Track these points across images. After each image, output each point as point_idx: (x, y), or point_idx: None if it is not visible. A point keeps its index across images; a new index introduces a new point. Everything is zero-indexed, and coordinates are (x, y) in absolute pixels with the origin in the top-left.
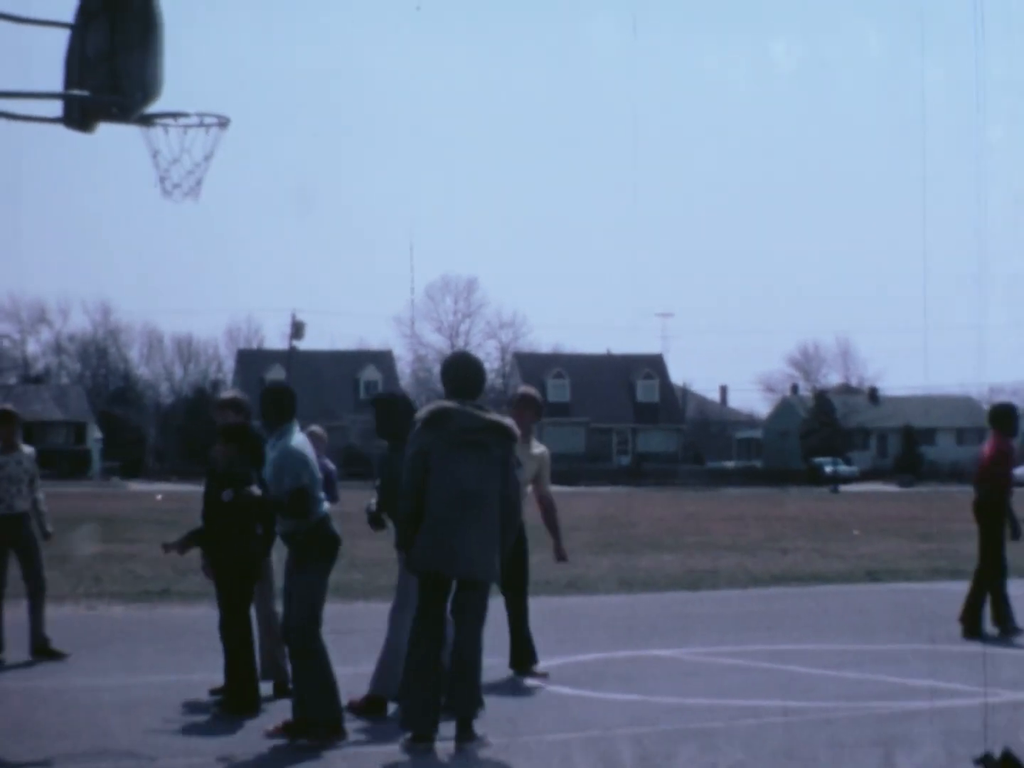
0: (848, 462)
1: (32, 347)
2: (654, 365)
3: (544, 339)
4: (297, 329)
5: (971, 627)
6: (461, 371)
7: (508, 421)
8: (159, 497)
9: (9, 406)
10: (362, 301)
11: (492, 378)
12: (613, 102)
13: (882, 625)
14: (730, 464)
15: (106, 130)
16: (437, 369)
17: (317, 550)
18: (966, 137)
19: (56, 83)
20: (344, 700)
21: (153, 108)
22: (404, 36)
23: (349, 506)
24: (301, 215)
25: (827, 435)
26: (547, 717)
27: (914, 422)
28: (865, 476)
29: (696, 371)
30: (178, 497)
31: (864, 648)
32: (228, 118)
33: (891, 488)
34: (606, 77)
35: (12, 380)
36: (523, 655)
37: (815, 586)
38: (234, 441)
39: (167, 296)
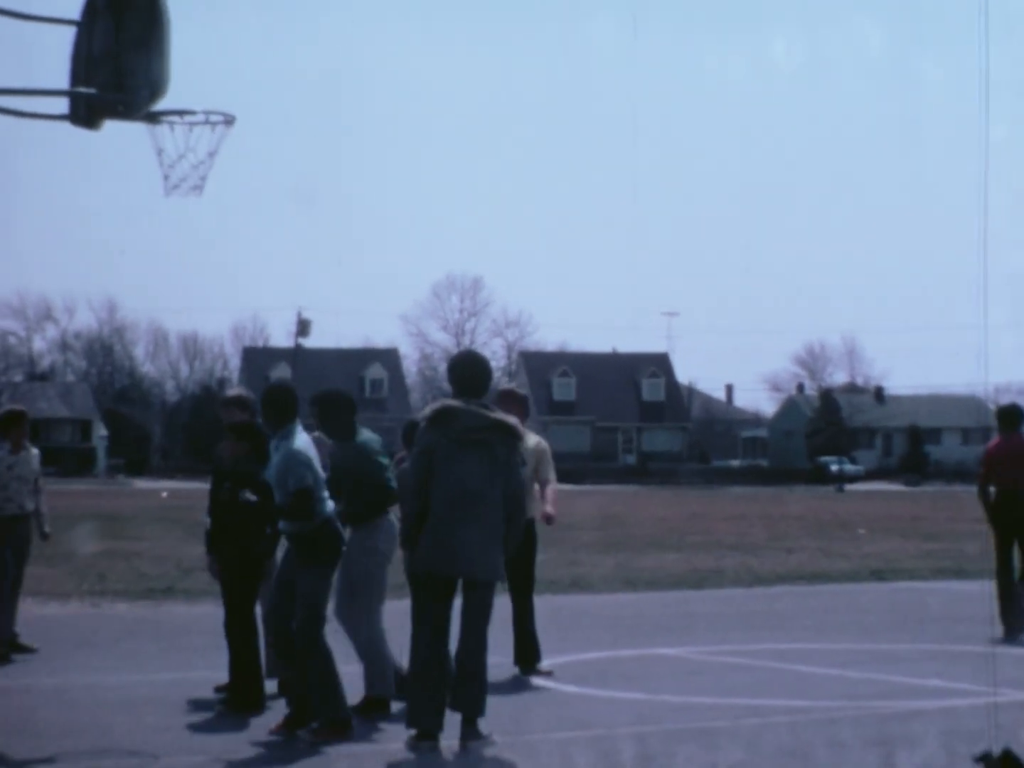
0: (853, 461)
1: (38, 344)
2: (660, 364)
3: (550, 338)
4: (303, 327)
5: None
6: (467, 370)
7: (513, 420)
8: (164, 495)
9: (20, 406)
10: (368, 299)
11: (498, 377)
12: (617, 100)
13: (887, 624)
14: (735, 463)
15: (112, 127)
16: (443, 367)
17: (321, 550)
18: (971, 134)
19: (62, 80)
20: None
21: (159, 106)
22: (409, 35)
23: None
24: (307, 213)
25: (833, 434)
26: (552, 715)
27: (920, 421)
28: (870, 475)
29: (702, 370)
30: (183, 495)
31: (869, 647)
32: (234, 116)
33: (896, 487)
34: (610, 76)
35: (18, 377)
36: (528, 653)
37: (820, 585)
38: (243, 439)
39: (173, 294)
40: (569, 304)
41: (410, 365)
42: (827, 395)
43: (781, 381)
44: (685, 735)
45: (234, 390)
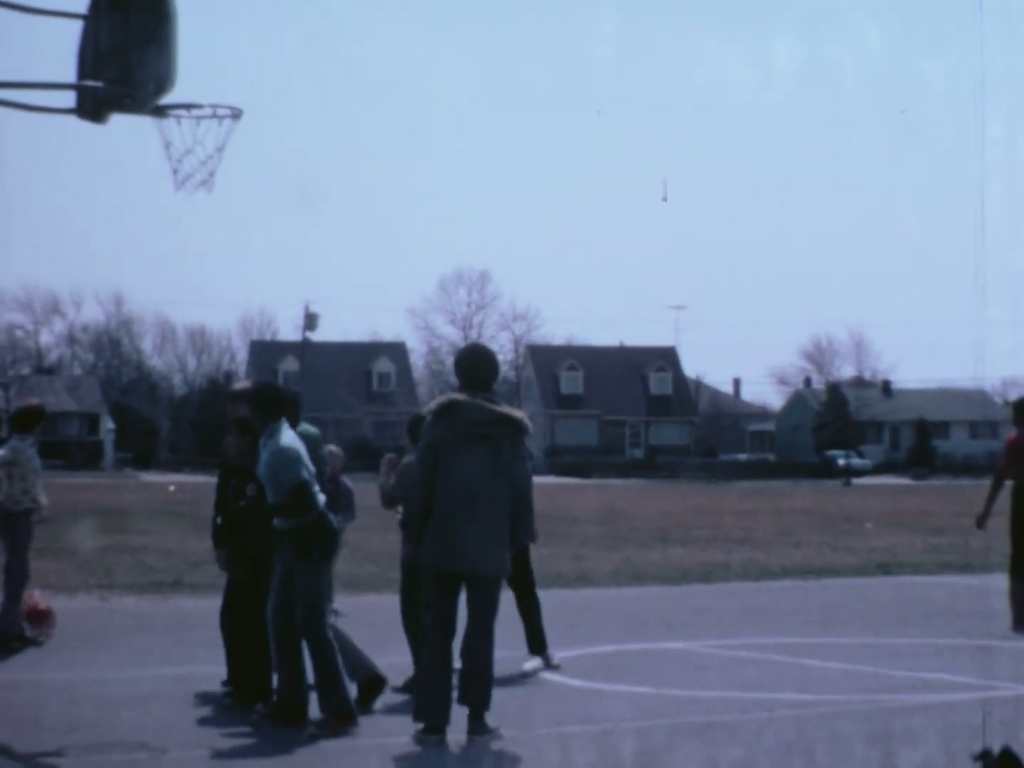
0: (861, 455)
1: (45, 338)
2: (667, 358)
3: (557, 331)
4: (310, 320)
5: None
6: (474, 363)
7: (519, 414)
8: (172, 488)
9: (39, 400)
10: (375, 293)
11: (505, 370)
12: (622, 94)
13: (893, 619)
14: (743, 457)
15: (119, 121)
16: (450, 361)
17: (316, 544)
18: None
19: (69, 74)
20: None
21: (166, 99)
22: (416, 30)
23: (360, 499)
24: (314, 207)
25: (840, 428)
26: (559, 709)
27: (927, 415)
28: (878, 469)
29: (709, 364)
30: (191, 488)
31: (875, 641)
32: (241, 110)
33: (904, 481)
34: (615, 72)
35: (25, 371)
36: (537, 643)
37: (827, 579)
38: (248, 433)
39: (180, 287)
40: (577, 298)
41: (417, 359)
42: (834, 389)
43: (788, 375)
44: (691, 729)
45: (241, 384)
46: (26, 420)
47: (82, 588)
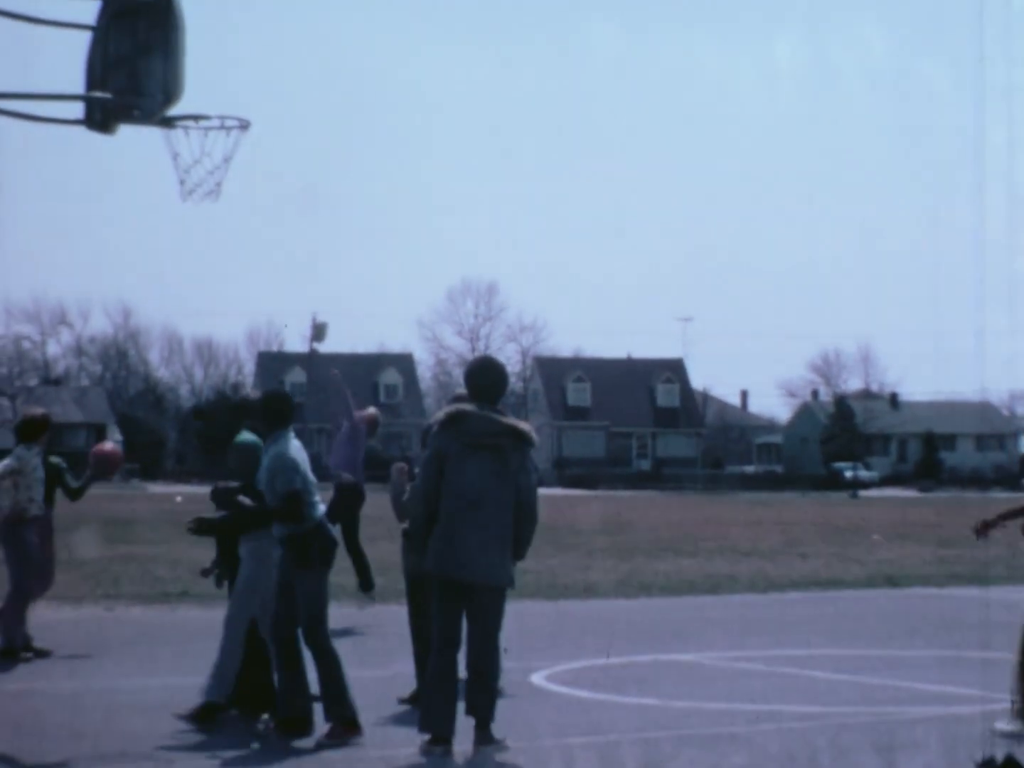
0: (868, 467)
1: (53, 349)
2: (674, 369)
3: (564, 343)
4: (318, 332)
5: None
6: (484, 375)
7: (525, 426)
8: (179, 499)
9: (44, 410)
10: (383, 304)
11: (513, 382)
12: (628, 107)
13: (901, 630)
14: (750, 469)
15: (127, 132)
16: (457, 372)
17: (313, 553)
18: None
19: (77, 85)
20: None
21: (174, 110)
22: (425, 41)
23: (369, 510)
24: (322, 218)
25: (847, 440)
26: (566, 721)
27: (934, 428)
28: (885, 481)
29: (716, 376)
30: (198, 499)
31: (882, 653)
32: (249, 121)
33: (911, 493)
34: (619, 81)
35: (33, 382)
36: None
37: (834, 591)
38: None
39: (187, 299)
40: (584, 310)
41: (425, 370)
42: (842, 401)
43: (796, 387)
44: (697, 741)
45: (252, 393)
46: (31, 429)
47: (89, 598)
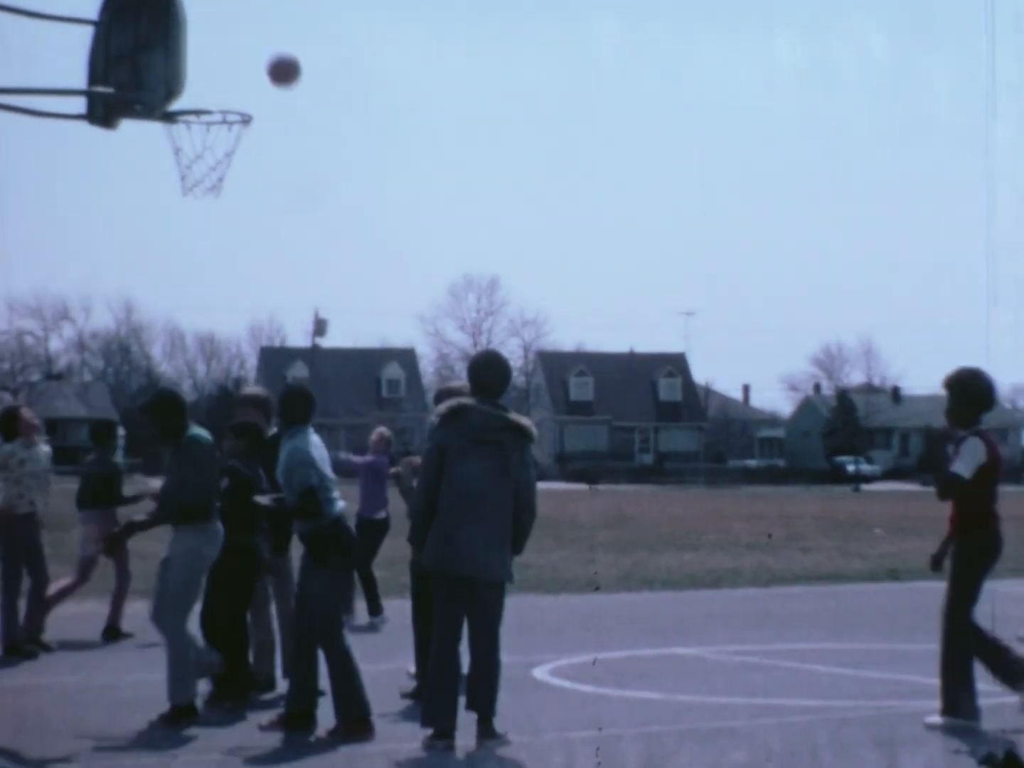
0: (870, 461)
1: (55, 344)
2: (676, 364)
3: (567, 337)
4: (320, 327)
5: None
6: (487, 370)
7: (525, 421)
8: None
9: (17, 403)
10: (385, 299)
11: (515, 376)
12: (632, 101)
13: (903, 624)
14: (752, 463)
15: (129, 127)
16: (460, 367)
17: (330, 550)
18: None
19: (79, 80)
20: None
21: (176, 105)
22: (426, 35)
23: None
24: (324, 212)
25: (849, 434)
26: (568, 715)
27: (936, 421)
28: (887, 475)
29: (719, 370)
30: None
31: (885, 647)
32: (251, 115)
33: (913, 487)
34: (621, 77)
35: (35, 377)
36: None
37: (836, 585)
38: (240, 438)
39: (190, 293)
40: (586, 304)
41: (427, 365)
42: (844, 395)
43: (798, 381)
44: (700, 735)
45: (250, 389)
46: (5, 424)
47: (91, 593)
